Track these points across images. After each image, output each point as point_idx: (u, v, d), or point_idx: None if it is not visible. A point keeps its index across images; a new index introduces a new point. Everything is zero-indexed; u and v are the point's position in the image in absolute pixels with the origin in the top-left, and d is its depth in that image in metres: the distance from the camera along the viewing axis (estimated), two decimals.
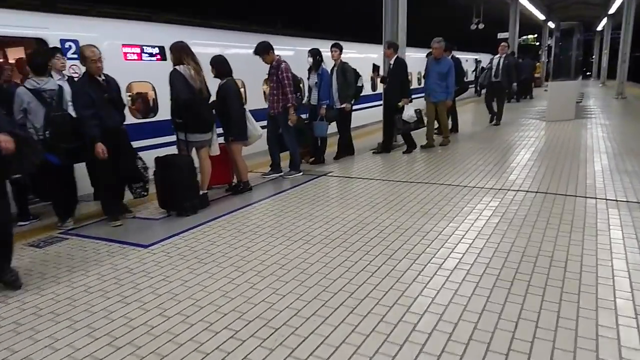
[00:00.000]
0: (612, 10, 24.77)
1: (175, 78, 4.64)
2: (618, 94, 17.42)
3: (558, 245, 3.63)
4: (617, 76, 17.59)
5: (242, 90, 7.24)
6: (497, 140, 8.72)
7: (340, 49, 7.11)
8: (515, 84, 10.68)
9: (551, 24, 30.04)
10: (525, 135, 9.22)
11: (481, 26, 22.28)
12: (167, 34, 8.50)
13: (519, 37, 22.26)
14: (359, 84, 7.30)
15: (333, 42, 7.31)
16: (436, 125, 9.86)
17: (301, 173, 6.46)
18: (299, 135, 6.48)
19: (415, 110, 7.49)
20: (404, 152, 7.79)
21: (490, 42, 25.17)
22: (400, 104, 7.36)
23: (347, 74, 6.98)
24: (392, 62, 7.49)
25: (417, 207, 4.77)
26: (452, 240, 3.82)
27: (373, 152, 7.81)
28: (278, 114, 6.06)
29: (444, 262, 3.41)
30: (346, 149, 7.64)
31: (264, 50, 5.88)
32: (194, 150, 5.08)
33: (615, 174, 5.85)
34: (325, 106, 6.79)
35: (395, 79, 7.47)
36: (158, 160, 4.78)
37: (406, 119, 7.39)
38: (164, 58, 7.46)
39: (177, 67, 4.74)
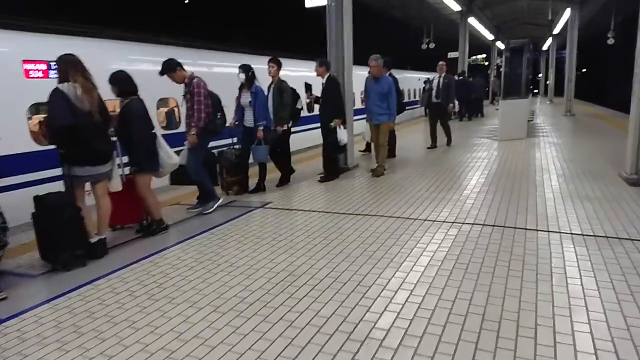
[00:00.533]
0: (556, 31, 25.56)
1: (53, 99, 3.71)
2: (567, 111, 17.63)
3: (524, 302, 2.94)
4: (564, 94, 17.83)
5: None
6: (448, 163, 8.17)
7: (279, 64, 6.37)
8: (452, 104, 10.19)
9: (499, 44, 30.80)
10: (478, 156, 8.75)
11: (432, 45, 22.35)
12: (98, 49, 7.60)
13: (469, 57, 22.46)
14: (298, 106, 6.58)
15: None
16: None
17: (220, 200, 5.61)
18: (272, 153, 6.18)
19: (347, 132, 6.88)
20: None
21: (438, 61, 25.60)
22: (332, 124, 6.67)
23: (284, 94, 6.24)
24: (324, 80, 6.81)
25: (360, 249, 4.01)
26: (397, 299, 3.06)
27: (319, 180, 7.03)
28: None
29: (386, 335, 2.62)
30: (287, 175, 6.86)
31: (169, 68, 5.02)
32: (88, 186, 4.14)
33: (577, 200, 5.34)
34: (262, 128, 5.99)
35: (328, 99, 6.79)
36: (35, 200, 3.80)
37: (342, 142, 6.73)
38: None
39: (60, 85, 3.81)
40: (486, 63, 46.09)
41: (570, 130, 13.09)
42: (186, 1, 32.79)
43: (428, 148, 9.95)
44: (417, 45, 22.74)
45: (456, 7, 17.72)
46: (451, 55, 20.05)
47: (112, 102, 9.09)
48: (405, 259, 3.74)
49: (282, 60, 6.61)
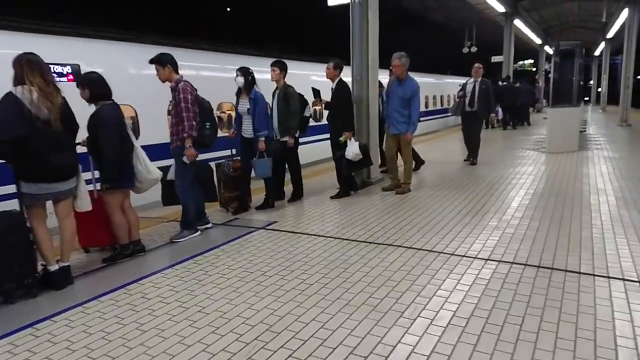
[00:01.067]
0: (610, 34, 23.67)
1: (1, 105, 3.13)
2: (622, 121, 16.04)
3: None
4: (620, 102, 16.23)
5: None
6: (486, 180, 7.17)
7: (283, 68, 5.64)
8: (493, 114, 9.13)
9: (548, 49, 28.97)
10: (522, 171, 7.69)
11: (474, 49, 21.06)
12: (87, 50, 7.15)
13: (515, 62, 20.98)
14: (306, 114, 5.82)
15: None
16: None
17: (197, 233, 4.78)
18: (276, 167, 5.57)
19: (361, 145, 6.01)
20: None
21: (485, 67, 24.07)
22: (341, 139, 5.88)
23: (290, 101, 5.50)
24: (334, 85, 6.00)
25: (364, 295, 3.19)
26: None
27: (331, 197, 6.24)
28: (175, 149, 4.50)
29: None
30: (297, 191, 6.13)
31: (158, 61, 4.36)
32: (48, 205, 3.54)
33: None
34: (263, 139, 5.28)
35: (338, 108, 5.99)
36: None
37: (350, 157, 5.89)
38: None
39: (13, 89, 3.23)
40: (534, 69, 43.82)
41: (627, 142, 11.67)
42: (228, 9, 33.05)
43: (465, 161, 8.93)
44: (458, 49, 21.49)
45: (500, 9, 16.53)
46: (495, 59, 18.79)
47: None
48: (419, 314, 2.89)
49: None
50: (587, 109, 29.81)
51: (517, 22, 18.70)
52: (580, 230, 4.50)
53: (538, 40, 24.61)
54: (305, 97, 5.91)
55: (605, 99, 26.97)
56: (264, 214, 5.56)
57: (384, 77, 7.42)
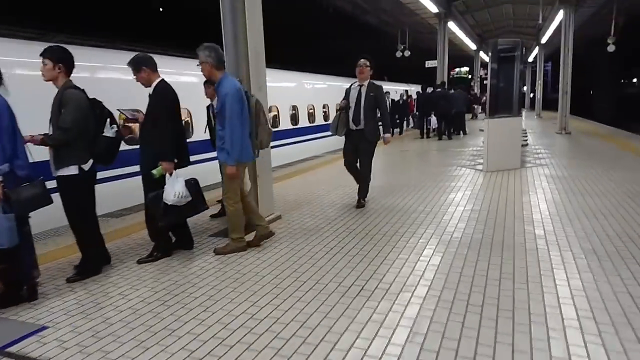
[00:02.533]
0: (544, 40, 23.04)
1: None
2: (561, 129, 14.90)
3: None
4: (558, 109, 15.10)
5: None
6: (385, 224, 5.17)
7: (60, 58, 3.40)
8: (388, 135, 5.89)
9: (483, 55, 28.29)
10: (451, 201, 5.79)
11: (407, 53, 19.54)
12: None
13: (450, 69, 19.63)
14: (107, 133, 3.52)
15: None
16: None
17: None
18: None
19: (187, 182, 3.88)
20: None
21: (418, 73, 22.84)
22: (155, 172, 3.72)
23: (64, 110, 3.24)
24: (151, 90, 3.86)
25: None
26: None
27: (139, 261, 4.01)
28: None
29: None
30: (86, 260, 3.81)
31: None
32: None
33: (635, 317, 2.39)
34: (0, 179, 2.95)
35: (151, 125, 3.83)
36: None
37: (170, 201, 3.74)
38: None
39: None
40: (469, 76, 43.75)
41: (573, 155, 10.24)
42: None
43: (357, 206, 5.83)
44: (393, 54, 19.91)
45: (433, 9, 15.01)
46: (430, 64, 17.35)
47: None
48: None
49: None
50: (522, 115, 29.39)
51: (452, 25, 17.38)
52: (529, 317, 2.56)
53: (473, 46, 23.65)
54: (106, 104, 3.62)
55: (540, 105, 26.51)
56: (27, 309, 3.21)
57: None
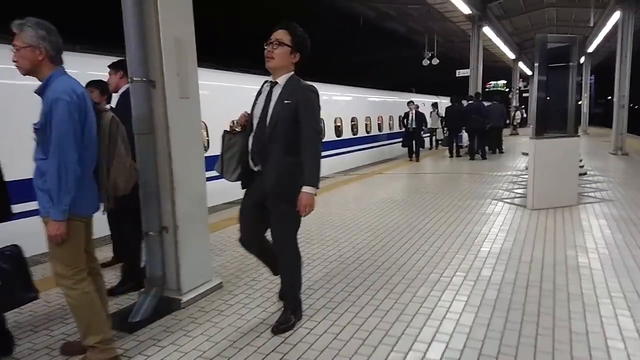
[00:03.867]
0: (591, 48, 20.53)
1: None
2: (616, 149, 12.53)
3: None
4: (613, 125, 12.75)
5: None
6: (388, 282, 3.31)
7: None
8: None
9: (522, 66, 25.88)
10: (480, 254, 3.85)
11: (435, 62, 17.47)
12: None
13: (485, 81, 17.41)
14: None
15: None
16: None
17: None
18: None
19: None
20: None
21: (450, 85, 20.75)
22: None
23: None
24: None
25: None
26: None
27: None
28: None
29: None
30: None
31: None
32: None
33: None
34: None
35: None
36: None
37: None
38: None
39: None
40: (507, 89, 40.97)
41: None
42: None
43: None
44: (420, 62, 17.93)
45: (465, 10, 13.04)
46: (460, 73, 15.30)
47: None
48: None
49: None
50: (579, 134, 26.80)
51: (487, 31, 15.31)
52: None
53: (511, 55, 21.36)
54: None
55: (587, 119, 23.82)
56: None
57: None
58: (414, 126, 12.20)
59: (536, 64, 5.97)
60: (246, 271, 3.85)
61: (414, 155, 12.34)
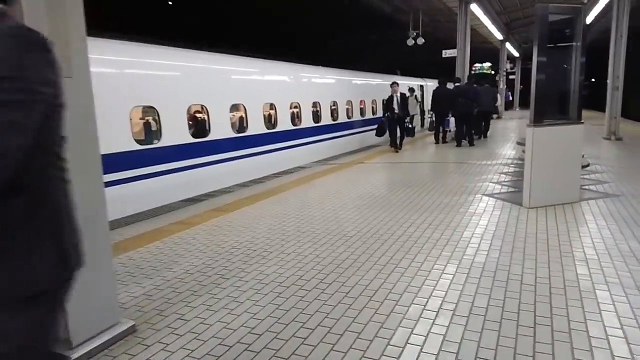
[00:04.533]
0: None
1: None
2: (610, 134, 11.82)
3: None
4: (607, 108, 12.01)
5: None
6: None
7: None
8: None
9: (510, 47, 25.02)
10: (474, 283, 3.03)
11: (420, 41, 16.44)
12: None
13: (470, 64, 16.51)
14: None
15: None
16: None
17: None
18: None
19: None
20: None
21: (437, 66, 19.81)
22: None
23: None
24: None
25: None
26: None
27: None
28: None
29: None
30: None
31: None
32: None
33: None
34: None
35: None
36: None
37: None
38: None
39: None
40: (492, 72, 40.14)
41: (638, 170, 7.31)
42: None
43: None
44: (404, 44, 16.88)
45: None
46: (447, 53, 14.37)
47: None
48: None
49: None
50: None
51: (475, 9, 14.34)
52: None
53: (499, 35, 20.43)
54: None
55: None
56: None
57: None
58: (396, 112, 10.65)
59: (535, 39, 5.09)
60: (174, 304, 2.96)
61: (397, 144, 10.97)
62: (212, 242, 4.20)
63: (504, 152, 10.11)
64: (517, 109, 31.47)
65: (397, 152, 10.75)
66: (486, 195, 5.81)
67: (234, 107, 8.80)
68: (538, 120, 5.07)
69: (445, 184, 6.62)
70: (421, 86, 20.14)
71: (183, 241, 4.25)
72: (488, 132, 13.29)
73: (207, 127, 8.01)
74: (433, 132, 12.55)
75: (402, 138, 11.16)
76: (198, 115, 8.04)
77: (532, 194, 5.10)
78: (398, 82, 11.23)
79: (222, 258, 3.76)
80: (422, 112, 17.82)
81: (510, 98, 32.32)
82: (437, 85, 12.06)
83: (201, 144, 7.78)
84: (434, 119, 12.57)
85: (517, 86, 32.19)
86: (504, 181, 6.67)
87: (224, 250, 3.94)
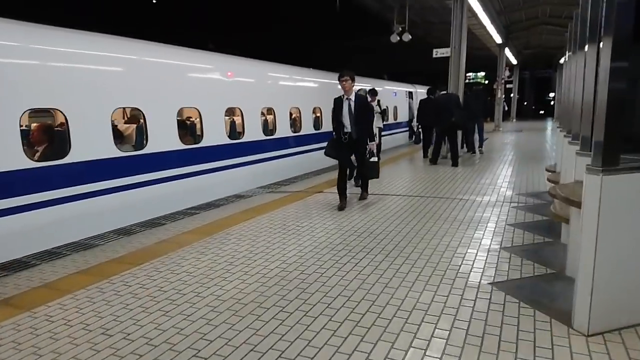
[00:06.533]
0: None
1: None
2: None
3: None
4: None
5: None
6: None
7: None
8: None
9: (509, 53, 22.46)
10: None
11: (407, 37, 13.61)
12: None
13: (466, 71, 13.76)
14: None
15: None
16: None
17: None
18: None
19: None
20: None
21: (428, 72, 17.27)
22: None
23: None
24: None
25: None
26: None
27: None
28: None
29: None
30: None
31: None
32: None
33: None
34: None
35: None
36: None
37: None
38: None
39: None
40: (486, 82, 37.57)
41: None
42: None
43: None
44: (390, 44, 14.11)
45: None
46: (439, 53, 11.68)
47: None
48: None
49: None
50: (544, 125, 24.51)
51: (473, 2, 11.69)
52: None
53: (498, 39, 17.79)
54: None
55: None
56: None
57: None
58: (348, 130, 5.69)
59: (610, 28, 2.39)
60: None
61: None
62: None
63: (505, 179, 7.37)
64: (514, 120, 28.98)
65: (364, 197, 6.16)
66: (497, 294, 3.06)
67: None
68: (611, 162, 2.36)
69: (425, 255, 3.85)
70: (410, 93, 17.52)
71: None
72: (483, 145, 11.03)
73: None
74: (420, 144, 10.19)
75: (362, 179, 6.31)
76: None
77: (595, 309, 2.39)
78: (385, 88, 8.31)
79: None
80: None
81: (507, 108, 29.79)
82: (427, 94, 9.70)
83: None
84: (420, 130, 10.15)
85: (515, 95, 29.72)
86: (527, 259, 3.94)
87: None
